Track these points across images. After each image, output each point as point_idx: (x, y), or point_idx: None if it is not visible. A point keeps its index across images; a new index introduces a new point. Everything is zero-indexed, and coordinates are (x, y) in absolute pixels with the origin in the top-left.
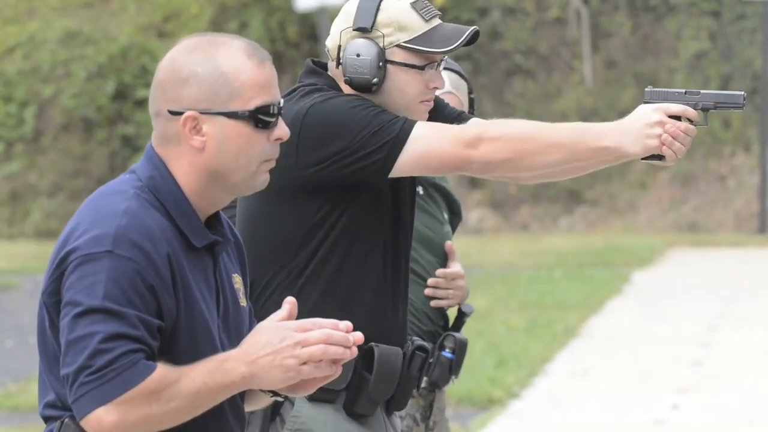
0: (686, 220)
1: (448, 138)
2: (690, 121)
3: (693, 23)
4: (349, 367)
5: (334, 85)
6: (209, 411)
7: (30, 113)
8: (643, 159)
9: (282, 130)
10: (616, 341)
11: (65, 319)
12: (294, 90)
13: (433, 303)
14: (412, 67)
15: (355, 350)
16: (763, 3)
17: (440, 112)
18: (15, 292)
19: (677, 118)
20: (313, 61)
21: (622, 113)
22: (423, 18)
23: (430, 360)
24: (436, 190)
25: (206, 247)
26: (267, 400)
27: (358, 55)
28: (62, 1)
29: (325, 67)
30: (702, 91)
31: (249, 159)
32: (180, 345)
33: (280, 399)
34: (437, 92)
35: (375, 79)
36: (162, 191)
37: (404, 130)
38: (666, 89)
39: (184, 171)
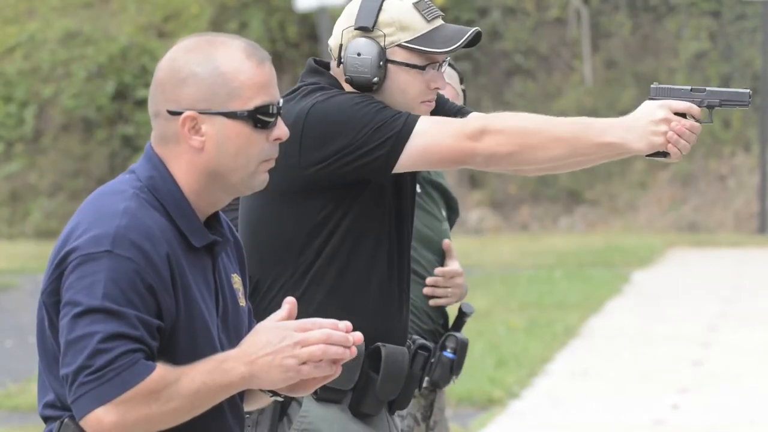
0: (686, 220)
1: (451, 132)
2: (695, 118)
3: (693, 23)
4: (356, 368)
5: (336, 84)
6: (208, 411)
7: (30, 113)
8: (647, 156)
9: (281, 130)
10: (616, 341)
11: (65, 319)
12: (296, 89)
13: (431, 302)
14: (413, 66)
15: (354, 350)
16: (763, 3)
17: (441, 108)
18: (15, 292)
19: (682, 115)
20: (315, 60)
21: (622, 113)
22: (425, 18)
23: (432, 360)
24: (434, 187)
25: (205, 247)
26: (267, 400)
27: (358, 54)
28: (62, 1)
29: (327, 66)
30: (707, 89)
31: (248, 159)
32: (179, 345)
33: (279, 399)
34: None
35: (375, 79)
36: (161, 191)
37: (407, 125)
38: (671, 86)
39: (183, 171)
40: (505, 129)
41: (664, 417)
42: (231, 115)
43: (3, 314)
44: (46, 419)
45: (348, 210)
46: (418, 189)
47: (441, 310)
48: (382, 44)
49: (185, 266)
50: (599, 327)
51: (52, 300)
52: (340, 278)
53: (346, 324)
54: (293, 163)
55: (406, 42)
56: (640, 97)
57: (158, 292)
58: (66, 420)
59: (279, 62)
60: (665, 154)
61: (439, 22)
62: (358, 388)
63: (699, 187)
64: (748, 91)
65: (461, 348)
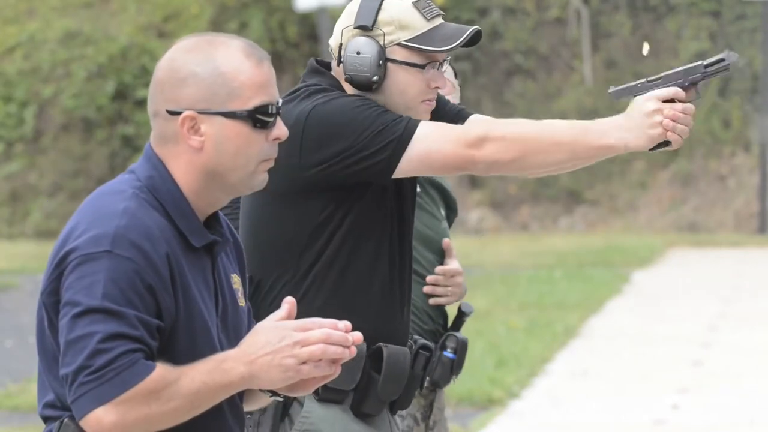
0: (686, 220)
1: (452, 138)
2: (683, 101)
3: (693, 23)
4: (357, 368)
5: (337, 85)
6: (208, 411)
7: (30, 113)
8: (650, 150)
9: (280, 130)
10: (616, 341)
11: (64, 319)
12: (297, 90)
13: (431, 301)
14: (413, 65)
15: (354, 350)
16: (763, 3)
17: (441, 109)
18: (15, 292)
19: (671, 101)
20: (317, 61)
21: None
22: (425, 17)
23: (432, 360)
24: (433, 186)
25: (205, 247)
26: (266, 400)
27: (358, 53)
28: (62, 1)
29: (328, 66)
30: (663, 73)
31: (247, 159)
32: (179, 345)
33: (279, 399)
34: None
35: (375, 77)
36: (161, 191)
37: (408, 129)
38: (628, 84)
39: (183, 171)
40: (506, 136)
41: (664, 417)
42: (230, 115)
43: (3, 314)
44: (46, 419)
45: (349, 211)
46: (418, 189)
47: (441, 310)
48: (381, 43)
49: (185, 266)
50: (599, 327)
51: (51, 300)
52: (342, 279)
53: (346, 324)
54: (294, 164)
55: (405, 41)
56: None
57: (158, 292)
58: (66, 420)
59: (279, 62)
60: (667, 143)
61: (439, 21)
62: (359, 388)
63: (699, 187)
64: (700, 62)
65: (461, 348)
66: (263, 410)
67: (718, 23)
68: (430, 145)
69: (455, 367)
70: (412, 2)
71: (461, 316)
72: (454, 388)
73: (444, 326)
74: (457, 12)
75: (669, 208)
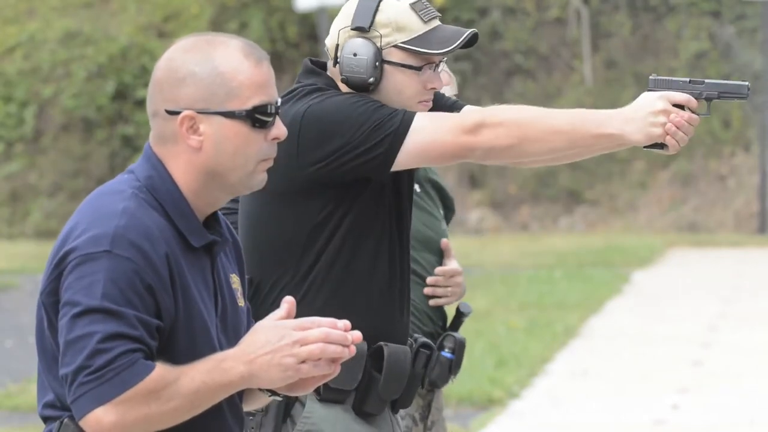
0: (686, 220)
1: (449, 127)
2: (693, 111)
3: (693, 23)
4: (359, 368)
5: (332, 85)
6: (208, 410)
7: (30, 113)
8: (645, 147)
9: (279, 130)
10: (616, 341)
11: (64, 319)
12: (292, 90)
13: (431, 302)
14: (409, 67)
15: (353, 349)
16: (763, 3)
17: (436, 103)
18: (15, 292)
19: (680, 107)
20: (312, 61)
21: None
22: (422, 19)
23: (431, 359)
24: (432, 185)
25: (204, 247)
26: (265, 400)
27: (355, 55)
28: (62, 1)
29: (323, 66)
30: (707, 81)
31: (246, 158)
32: (178, 345)
33: (278, 398)
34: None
35: (371, 79)
36: (160, 191)
37: (404, 122)
38: (670, 78)
39: (182, 170)
40: (504, 122)
41: (664, 417)
42: (229, 115)
43: (3, 314)
44: (46, 419)
45: (348, 210)
46: (418, 188)
47: (440, 311)
48: (378, 45)
49: (184, 266)
50: (599, 327)
51: (51, 300)
52: (342, 279)
53: (345, 323)
54: (292, 164)
55: (402, 43)
56: None
57: (157, 292)
58: (65, 420)
59: (279, 62)
60: (663, 146)
61: (436, 23)
62: (360, 388)
63: (699, 187)
64: (746, 83)
65: (459, 348)
66: (265, 411)
67: (718, 23)
68: (427, 136)
69: (453, 367)
70: (410, 4)
71: (460, 316)
72: (454, 388)
73: (443, 327)
74: (457, 12)
75: (669, 208)
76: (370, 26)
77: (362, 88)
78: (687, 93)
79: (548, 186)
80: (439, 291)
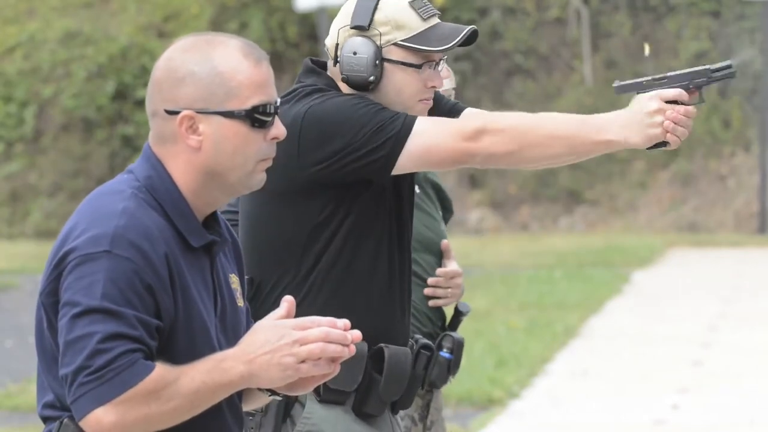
0: (686, 220)
1: (450, 132)
2: (686, 103)
3: (693, 23)
4: (359, 369)
5: (333, 85)
6: (207, 410)
7: (30, 113)
8: (647, 149)
9: (278, 130)
10: (616, 341)
11: (63, 320)
12: (293, 91)
13: (431, 302)
14: (409, 65)
15: (353, 348)
16: (763, 3)
17: (436, 105)
18: (15, 292)
19: (674, 102)
20: (312, 61)
21: None
22: (421, 17)
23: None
24: (431, 186)
25: (204, 247)
26: (265, 400)
27: (354, 53)
28: (62, 1)
29: (324, 66)
30: (669, 74)
31: (245, 158)
32: (178, 345)
33: (278, 398)
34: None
35: (372, 77)
36: (159, 191)
37: (406, 126)
38: (634, 80)
39: (181, 170)
40: (504, 128)
41: (664, 417)
42: (228, 115)
43: (3, 314)
44: (45, 419)
45: (349, 210)
46: (417, 189)
47: (440, 313)
48: (378, 43)
49: (183, 266)
50: (599, 327)
51: (50, 300)
52: (342, 279)
53: (345, 322)
54: (292, 164)
55: (401, 41)
56: None
57: (157, 292)
58: (65, 420)
59: (279, 62)
60: (665, 144)
61: (435, 20)
62: (361, 389)
63: (699, 187)
64: (707, 67)
65: (458, 347)
66: (265, 411)
67: (718, 23)
68: (428, 140)
69: (452, 366)
70: (409, 2)
71: (458, 315)
72: (454, 388)
73: (442, 327)
74: (457, 12)
75: (669, 208)
76: (369, 25)
77: (362, 86)
78: (656, 89)
79: (548, 186)
80: (439, 292)
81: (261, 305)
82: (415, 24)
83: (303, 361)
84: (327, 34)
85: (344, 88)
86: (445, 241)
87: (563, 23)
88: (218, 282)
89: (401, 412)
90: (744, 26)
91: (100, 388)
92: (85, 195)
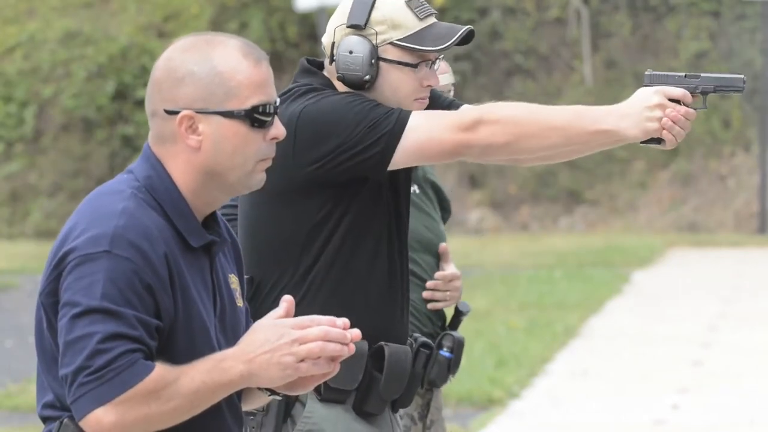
0: (686, 220)
1: (446, 125)
2: (688, 105)
3: (693, 23)
4: (359, 368)
5: (328, 84)
6: (207, 410)
7: (30, 113)
8: (642, 143)
9: (278, 130)
10: (616, 341)
11: (63, 320)
12: (288, 90)
13: (430, 306)
14: (405, 65)
15: (353, 347)
16: (763, 3)
17: (433, 102)
18: (15, 292)
19: (677, 101)
20: (308, 60)
21: None
22: (417, 16)
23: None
24: (430, 186)
25: (203, 247)
26: (265, 399)
27: (350, 52)
28: (62, 1)
29: (319, 66)
30: (702, 74)
31: (245, 158)
32: (178, 345)
33: (278, 398)
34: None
35: (367, 76)
36: (159, 191)
37: (400, 121)
38: (666, 73)
39: (181, 170)
40: (500, 119)
41: (664, 417)
42: (228, 115)
43: (3, 314)
44: (45, 419)
45: (347, 209)
46: (417, 189)
47: (439, 313)
48: (374, 42)
49: (183, 266)
50: (599, 327)
51: (50, 300)
52: (341, 278)
53: (344, 321)
54: (288, 164)
55: (397, 40)
56: None
57: (156, 292)
58: (65, 420)
59: (279, 62)
60: (660, 141)
61: (432, 20)
62: (361, 387)
63: (699, 187)
64: (742, 76)
65: (458, 347)
66: (265, 411)
67: (718, 23)
68: (424, 134)
69: (452, 366)
70: (405, 1)
71: (458, 315)
72: (454, 388)
73: (442, 327)
74: (457, 12)
75: (669, 208)
76: (365, 24)
77: (358, 85)
78: (683, 87)
79: (548, 186)
80: (438, 295)
81: (260, 305)
82: (412, 23)
83: (302, 361)
84: None
85: (340, 87)
86: (443, 245)
87: (563, 23)
88: (217, 282)
89: (401, 411)
90: (744, 26)
91: (100, 388)
92: (85, 195)
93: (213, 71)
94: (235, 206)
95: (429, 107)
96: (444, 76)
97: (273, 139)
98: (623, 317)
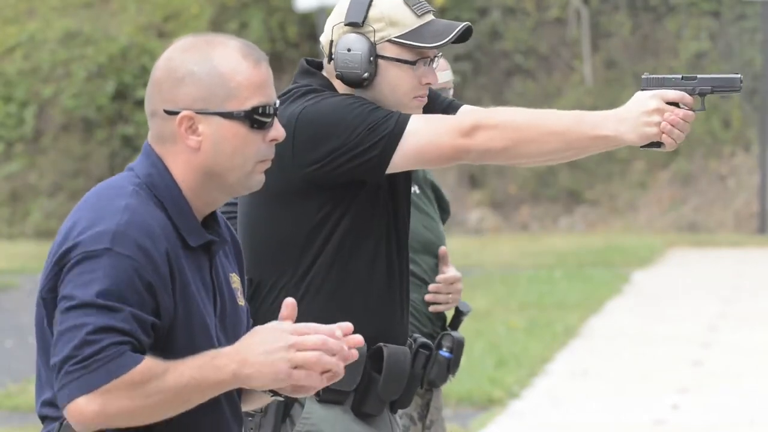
0: (686, 220)
1: (445, 129)
2: (687, 107)
3: (693, 23)
4: (358, 369)
5: (328, 85)
6: (206, 406)
7: (30, 113)
8: (642, 147)
9: (277, 131)
10: (616, 341)
11: (58, 312)
12: (288, 91)
13: (431, 308)
14: (404, 62)
15: (355, 353)
16: (763, 3)
17: (432, 102)
18: (15, 292)
19: (675, 104)
20: (308, 61)
21: None
22: (415, 13)
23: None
24: (429, 187)
25: (203, 247)
26: (266, 400)
27: (349, 50)
28: (62, 1)
29: (319, 66)
30: (699, 76)
31: (244, 159)
32: (177, 343)
33: (280, 399)
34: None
35: (366, 74)
36: (160, 188)
37: (399, 124)
38: (663, 75)
39: (181, 170)
40: (499, 124)
41: (664, 417)
42: (228, 116)
43: (3, 314)
44: (44, 418)
45: (346, 211)
46: (417, 190)
47: (440, 313)
48: (372, 40)
49: (184, 264)
50: (599, 327)
51: (51, 296)
52: (341, 279)
53: (348, 325)
54: (287, 165)
55: (395, 37)
56: None
57: (157, 290)
58: (66, 421)
59: (279, 62)
60: (659, 144)
61: (430, 17)
62: (360, 388)
63: (699, 187)
64: (738, 76)
65: (457, 347)
66: (264, 412)
67: (718, 23)
68: (423, 138)
69: (452, 366)
70: None
71: (459, 315)
72: (454, 388)
73: (442, 327)
74: (458, 12)
75: (669, 208)
76: (363, 21)
77: (356, 83)
78: (680, 89)
79: (548, 186)
80: (440, 298)
81: (259, 305)
82: (410, 20)
83: (296, 367)
84: None
85: (339, 86)
86: (443, 248)
87: (563, 23)
88: (217, 281)
89: (400, 411)
90: (744, 26)
91: (85, 377)
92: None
93: (213, 72)
94: (236, 204)
95: (427, 107)
96: (444, 74)
97: (272, 140)
98: (623, 317)
